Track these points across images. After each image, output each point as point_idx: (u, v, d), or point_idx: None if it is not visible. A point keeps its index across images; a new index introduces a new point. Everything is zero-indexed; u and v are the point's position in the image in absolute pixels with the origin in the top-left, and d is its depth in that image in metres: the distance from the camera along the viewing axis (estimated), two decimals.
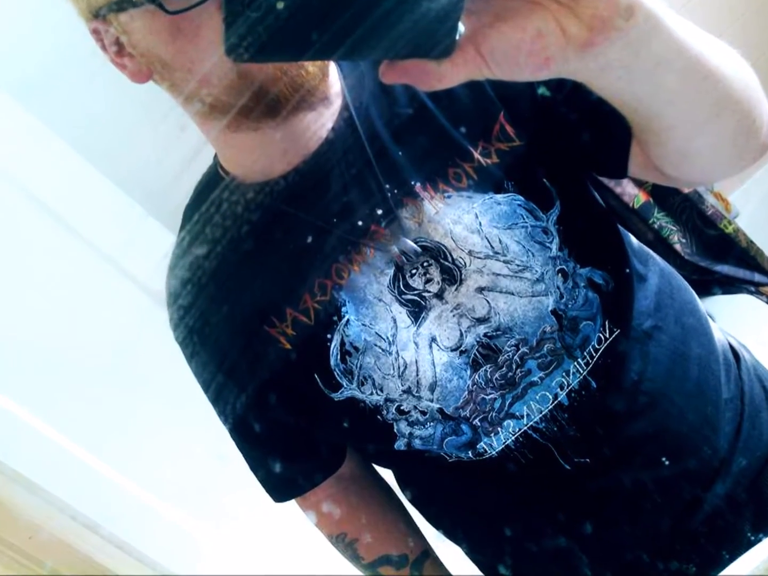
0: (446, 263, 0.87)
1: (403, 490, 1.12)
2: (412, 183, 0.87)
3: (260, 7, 0.45)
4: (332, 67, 0.88)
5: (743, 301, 1.52)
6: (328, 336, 0.88)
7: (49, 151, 1.55)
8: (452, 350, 0.87)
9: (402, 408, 0.89)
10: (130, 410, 1.68)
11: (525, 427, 0.89)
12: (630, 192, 1.41)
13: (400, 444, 0.92)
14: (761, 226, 1.75)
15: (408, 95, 0.90)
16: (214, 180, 0.96)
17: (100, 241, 1.63)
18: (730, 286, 1.49)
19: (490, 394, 0.88)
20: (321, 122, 0.88)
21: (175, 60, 0.77)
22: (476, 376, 0.87)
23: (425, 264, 0.87)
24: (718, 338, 1.02)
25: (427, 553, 1.09)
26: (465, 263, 0.86)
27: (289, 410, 0.98)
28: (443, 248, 0.86)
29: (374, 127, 0.89)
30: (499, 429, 0.89)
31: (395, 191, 0.87)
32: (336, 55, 0.49)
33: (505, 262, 0.87)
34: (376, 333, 0.88)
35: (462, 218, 0.87)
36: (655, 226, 1.43)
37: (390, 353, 0.88)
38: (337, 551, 1.10)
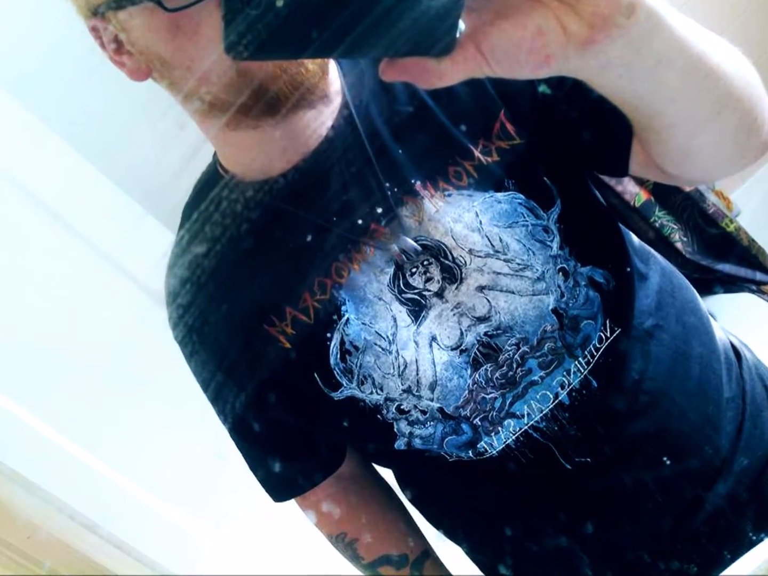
0: (446, 262, 0.86)
1: (403, 490, 1.12)
2: (413, 181, 0.87)
3: (260, 4, 0.44)
4: (332, 65, 0.88)
5: (744, 300, 1.52)
6: (328, 335, 0.88)
7: (48, 149, 1.54)
8: (452, 349, 0.87)
9: (402, 407, 0.89)
10: (129, 409, 1.68)
11: (525, 427, 0.88)
12: (631, 190, 1.40)
13: (400, 443, 0.92)
14: (763, 225, 1.75)
15: (408, 93, 0.90)
16: (213, 178, 0.96)
17: (98, 240, 1.63)
18: (732, 284, 1.49)
19: (491, 393, 0.87)
20: (321, 120, 0.87)
21: (174, 58, 0.77)
22: (477, 375, 0.87)
23: (425, 263, 0.87)
24: (719, 337, 1.01)
25: (427, 553, 1.09)
26: (465, 262, 0.86)
27: (288, 409, 0.97)
28: (443, 247, 0.86)
29: (374, 125, 0.88)
30: (499, 428, 0.89)
31: (395, 189, 0.87)
32: (336, 53, 0.49)
33: (505, 260, 0.86)
34: (376, 332, 0.87)
35: (462, 217, 0.86)
36: (657, 225, 1.43)
37: (390, 352, 0.87)
38: (337, 551, 1.10)
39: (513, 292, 0.86)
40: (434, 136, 0.88)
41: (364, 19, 0.46)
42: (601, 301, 0.89)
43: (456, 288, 0.87)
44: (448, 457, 0.92)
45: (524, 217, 0.87)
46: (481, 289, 0.86)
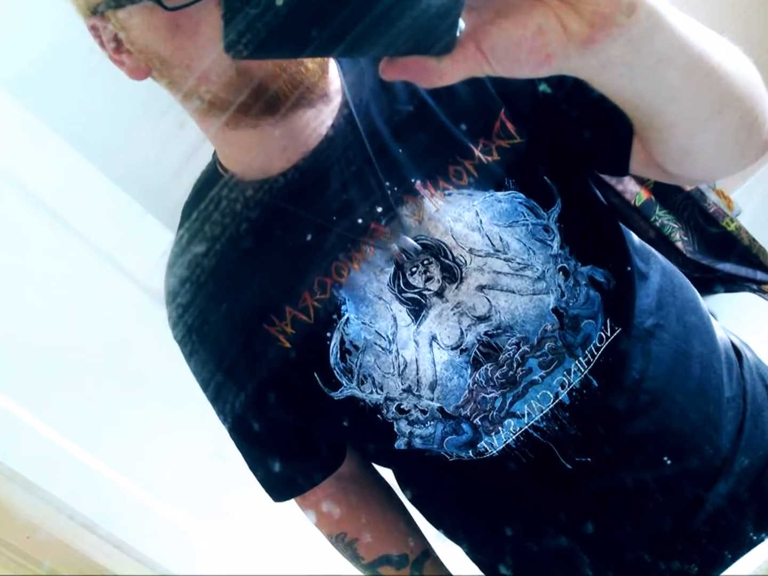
0: (447, 261, 0.86)
1: (403, 490, 1.12)
2: (413, 180, 0.87)
3: (259, 3, 0.44)
4: (332, 64, 0.88)
5: (745, 299, 1.52)
6: (328, 334, 0.88)
7: (47, 149, 1.54)
8: (453, 349, 0.87)
9: (402, 407, 0.89)
10: (128, 409, 1.68)
11: (526, 426, 0.88)
12: (631, 189, 1.40)
13: (400, 443, 0.92)
14: (763, 224, 1.74)
15: (408, 92, 0.90)
16: (213, 177, 0.96)
17: (98, 239, 1.63)
18: (732, 284, 1.49)
19: (491, 392, 0.87)
20: (320, 119, 0.87)
21: (174, 57, 0.77)
22: (477, 375, 0.87)
23: (425, 262, 0.86)
24: (720, 336, 1.01)
25: (427, 552, 1.09)
26: (465, 261, 0.86)
27: (288, 409, 0.97)
28: (444, 246, 0.86)
29: (374, 124, 0.88)
30: (499, 428, 0.89)
31: (395, 189, 0.87)
32: (336, 52, 0.48)
33: (505, 260, 0.86)
34: (376, 331, 0.87)
35: (462, 216, 0.86)
36: (657, 224, 1.43)
37: (390, 352, 0.87)
38: (337, 551, 1.10)
39: (513, 292, 0.86)
40: (434, 135, 0.88)
41: (364, 18, 0.46)
42: (602, 300, 0.89)
43: (456, 287, 0.86)
44: (448, 457, 0.92)
45: (524, 217, 0.87)
46: (481, 288, 0.86)
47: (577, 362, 0.87)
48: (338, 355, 0.88)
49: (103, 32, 0.80)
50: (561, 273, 0.87)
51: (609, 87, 0.61)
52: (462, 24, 0.50)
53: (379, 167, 0.87)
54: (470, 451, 0.91)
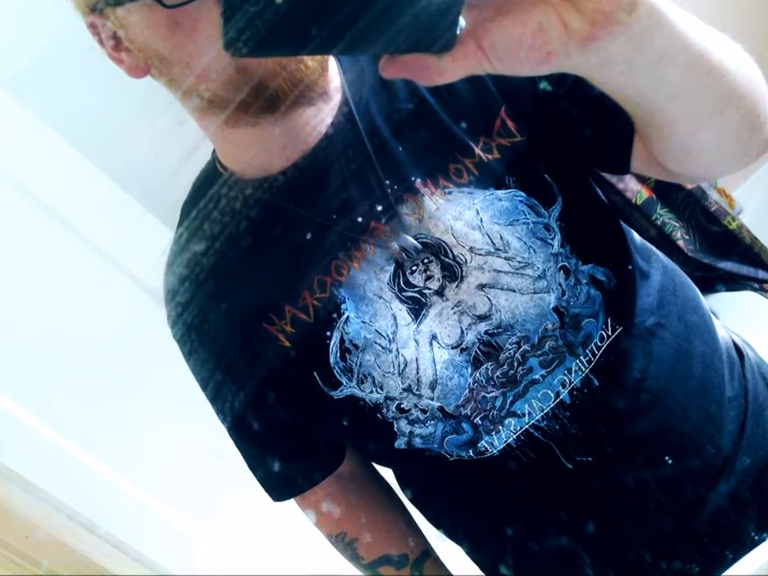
0: (447, 260, 0.86)
1: (403, 489, 1.12)
2: (413, 179, 0.87)
3: (259, 1, 0.44)
4: (332, 62, 0.87)
5: (747, 298, 1.52)
6: (328, 333, 0.88)
7: (46, 147, 1.54)
8: (453, 348, 0.87)
9: (402, 406, 0.89)
10: (127, 409, 1.68)
11: (526, 426, 0.88)
12: (633, 188, 1.40)
13: (400, 443, 0.92)
14: (765, 223, 1.74)
15: (408, 90, 0.89)
16: (212, 176, 0.95)
17: (96, 238, 1.62)
18: (734, 283, 1.49)
19: (492, 392, 0.87)
20: (320, 117, 0.87)
21: (173, 55, 0.77)
22: (477, 374, 0.87)
23: (426, 261, 0.86)
24: (721, 336, 1.01)
25: (427, 552, 1.09)
26: (466, 260, 0.86)
27: (288, 408, 0.97)
28: (444, 245, 0.86)
29: (374, 123, 0.88)
30: (500, 427, 0.88)
31: (395, 187, 0.87)
32: (335, 50, 0.48)
33: (506, 258, 0.86)
34: (376, 330, 0.87)
35: (463, 214, 0.86)
36: (658, 223, 1.43)
37: (390, 351, 0.87)
38: (337, 551, 1.10)
39: (514, 291, 0.86)
40: (434, 133, 0.88)
41: (364, 16, 0.45)
42: (603, 299, 0.89)
43: (456, 286, 0.86)
44: (449, 457, 0.92)
45: (525, 215, 0.87)
46: (481, 287, 0.86)
47: (578, 361, 0.87)
48: (338, 354, 0.88)
49: (102, 30, 0.80)
50: (562, 272, 0.87)
51: (610, 85, 0.61)
52: (462, 22, 0.50)
53: (379, 165, 0.86)
54: (470, 451, 0.90)
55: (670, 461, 0.90)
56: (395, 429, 0.91)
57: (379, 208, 0.87)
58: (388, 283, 0.87)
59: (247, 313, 0.92)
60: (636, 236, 1.02)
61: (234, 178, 0.92)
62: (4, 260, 1.54)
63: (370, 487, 1.11)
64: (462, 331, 0.86)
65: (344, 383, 0.89)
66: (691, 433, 0.92)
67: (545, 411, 0.87)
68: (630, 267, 0.93)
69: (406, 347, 0.87)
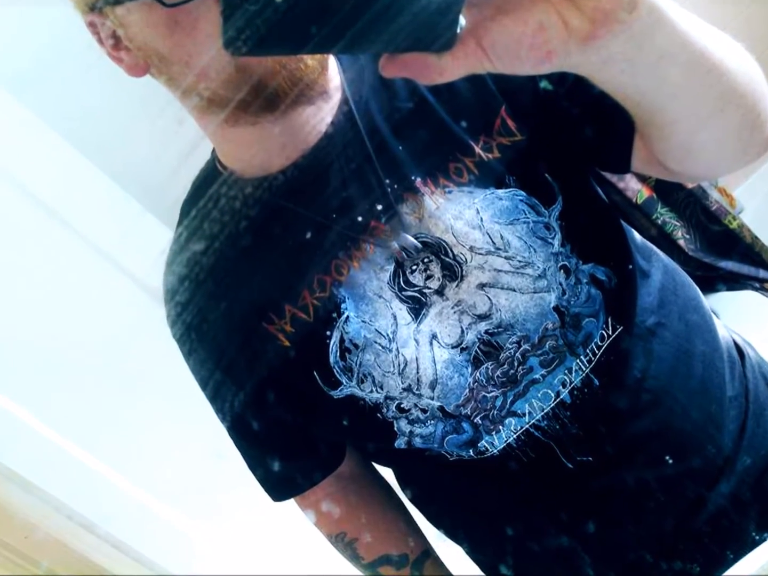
0: (447, 259, 0.86)
1: (403, 489, 1.12)
2: (413, 178, 0.87)
3: (258, 0, 0.44)
4: (331, 61, 0.87)
5: (748, 297, 1.51)
6: (328, 333, 0.88)
7: (45, 146, 1.54)
8: (453, 347, 0.86)
9: (402, 406, 0.89)
10: (127, 409, 1.68)
11: (527, 425, 0.88)
12: (633, 187, 1.40)
13: (400, 442, 0.91)
14: (766, 222, 1.74)
15: (408, 89, 0.89)
16: (212, 175, 0.95)
17: (96, 238, 1.63)
18: (735, 282, 1.48)
19: (492, 391, 0.87)
20: (320, 116, 0.87)
21: (173, 53, 0.77)
22: (477, 374, 0.87)
23: (426, 260, 0.86)
24: (722, 335, 1.01)
25: (427, 552, 1.08)
26: (466, 259, 0.86)
27: (287, 408, 0.97)
28: (444, 244, 0.86)
29: (374, 122, 0.88)
30: (500, 427, 0.88)
31: (395, 186, 0.86)
32: (335, 49, 0.48)
33: (506, 258, 0.86)
34: (376, 330, 0.87)
35: (463, 214, 0.86)
36: (659, 222, 1.42)
37: (390, 350, 0.87)
38: (337, 551, 1.10)
39: (514, 290, 0.86)
40: (434, 132, 0.88)
41: (363, 15, 0.45)
42: (603, 298, 0.89)
43: (457, 285, 0.86)
44: (449, 456, 0.92)
45: (525, 214, 0.87)
46: (481, 286, 0.86)
47: (578, 361, 0.87)
48: (338, 354, 0.88)
49: (102, 29, 0.80)
50: (562, 271, 0.87)
51: (610, 84, 0.61)
52: (462, 20, 0.50)
53: (379, 165, 0.86)
54: (471, 451, 0.90)
55: (670, 461, 0.90)
56: (395, 429, 0.90)
57: (379, 207, 0.86)
58: (388, 283, 0.87)
59: (246, 313, 0.92)
60: (636, 235, 1.02)
61: (234, 177, 0.92)
62: (4, 260, 1.54)
63: (370, 487, 1.11)
64: (462, 331, 0.86)
65: (344, 383, 0.89)
66: (691, 433, 0.91)
67: (545, 411, 0.87)
68: (630, 266, 0.93)
69: (406, 347, 0.87)
